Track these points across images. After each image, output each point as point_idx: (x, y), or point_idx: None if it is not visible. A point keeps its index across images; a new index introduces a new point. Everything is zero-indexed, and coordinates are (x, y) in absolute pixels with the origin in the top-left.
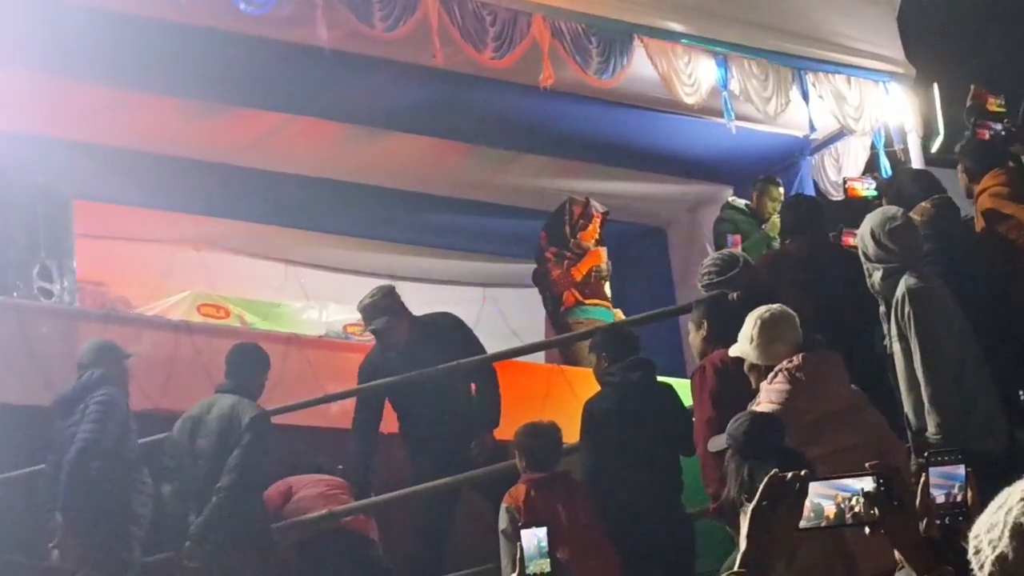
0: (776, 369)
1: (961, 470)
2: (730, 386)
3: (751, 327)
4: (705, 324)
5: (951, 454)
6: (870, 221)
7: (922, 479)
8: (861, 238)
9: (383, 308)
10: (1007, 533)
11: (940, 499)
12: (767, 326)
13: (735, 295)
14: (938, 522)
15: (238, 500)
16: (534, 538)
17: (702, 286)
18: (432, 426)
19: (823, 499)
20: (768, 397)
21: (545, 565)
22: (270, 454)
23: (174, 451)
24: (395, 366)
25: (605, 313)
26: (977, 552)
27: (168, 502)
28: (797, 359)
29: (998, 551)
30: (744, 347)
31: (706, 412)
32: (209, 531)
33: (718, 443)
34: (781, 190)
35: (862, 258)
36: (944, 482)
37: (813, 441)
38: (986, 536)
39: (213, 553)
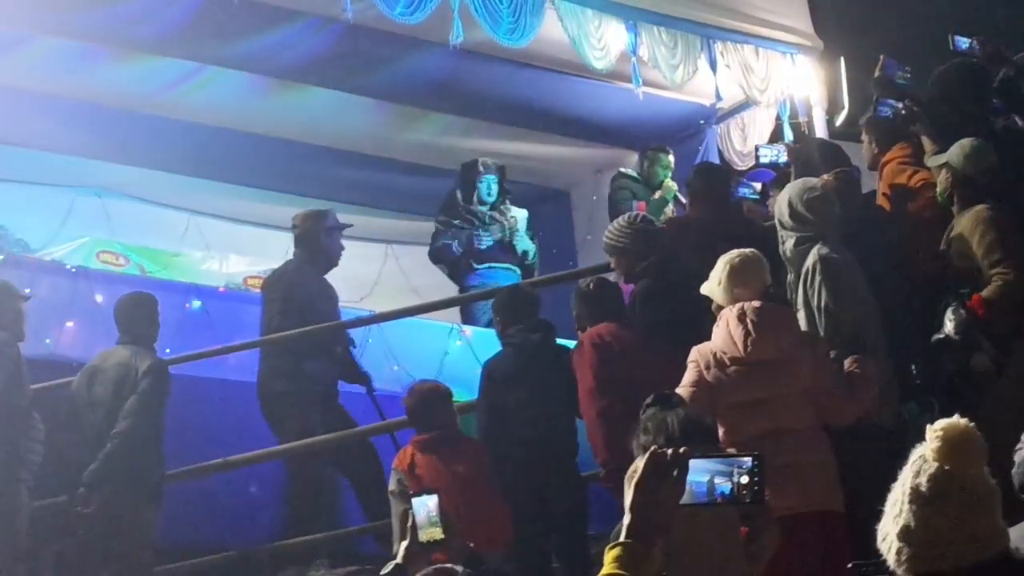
0: (721, 314)
1: None
2: (608, 357)
3: (720, 270)
4: (573, 312)
5: (875, 566)
6: (790, 190)
7: None
8: (779, 205)
9: None
10: (905, 501)
11: None
12: (735, 270)
13: (589, 284)
14: None
15: (133, 446)
16: (423, 507)
17: (607, 248)
18: None
19: (719, 476)
20: (712, 338)
21: (436, 533)
22: (166, 403)
23: (71, 400)
24: None
25: (507, 275)
26: (884, 539)
27: (64, 450)
28: (736, 308)
29: (900, 524)
30: (712, 287)
31: (587, 383)
32: (102, 477)
33: None
34: (670, 157)
35: (777, 225)
36: None
37: (740, 389)
38: (890, 514)
39: (106, 499)
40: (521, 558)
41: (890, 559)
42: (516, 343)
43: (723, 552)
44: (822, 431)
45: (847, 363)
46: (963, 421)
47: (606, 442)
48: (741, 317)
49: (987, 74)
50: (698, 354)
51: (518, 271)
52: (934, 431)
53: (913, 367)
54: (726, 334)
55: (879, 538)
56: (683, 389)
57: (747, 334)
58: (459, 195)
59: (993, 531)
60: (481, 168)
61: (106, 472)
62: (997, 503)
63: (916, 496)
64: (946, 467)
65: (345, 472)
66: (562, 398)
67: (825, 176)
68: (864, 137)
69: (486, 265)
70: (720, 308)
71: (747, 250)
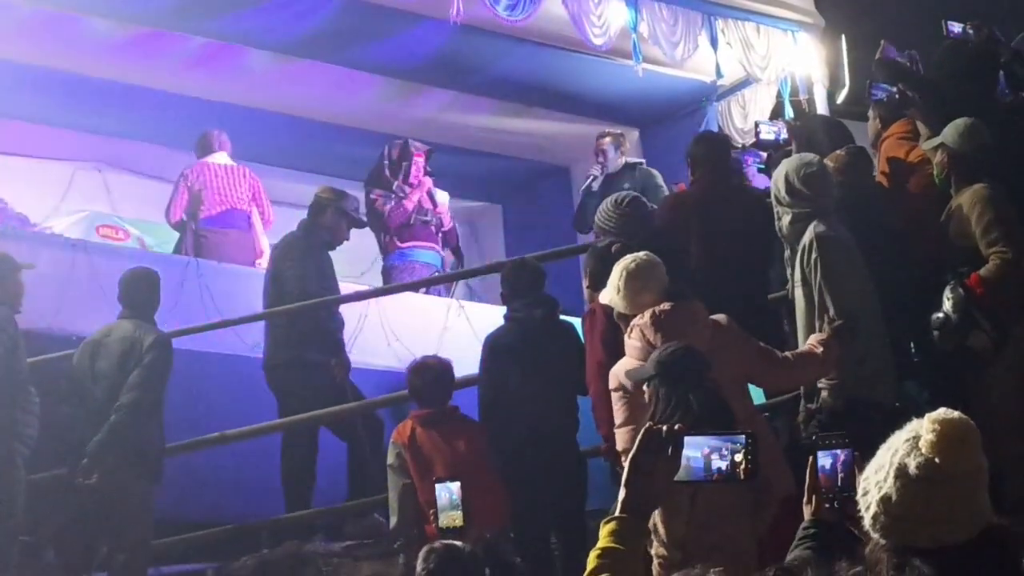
0: (632, 324)
1: (848, 453)
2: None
3: (617, 277)
4: (588, 270)
5: (838, 437)
6: (786, 165)
7: (809, 462)
8: (775, 181)
9: None
10: (892, 474)
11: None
12: (632, 276)
13: (616, 247)
14: (827, 505)
15: (137, 418)
16: (447, 492)
17: (596, 230)
18: None
19: (715, 452)
20: (628, 352)
21: (457, 518)
22: (168, 377)
23: (73, 374)
24: None
25: (431, 256)
26: (865, 494)
27: (65, 424)
28: (647, 315)
29: (883, 492)
30: (612, 296)
31: (597, 355)
32: (106, 448)
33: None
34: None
35: (773, 201)
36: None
37: None
38: (873, 477)
39: (108, 470)
40: (519, 534)
41: (866, 518)
42: (519, 317)
43: (738, 523)
44: (760, 416)
45: (812, 337)
46: (961, 417)
47: (611, 416)
48: (655, 322)
49: (991, 54)
50: (618, 380)
51: (437, 254)
52: (931, 422)
53: (911, 345)
54: (644, 344)
55: (859, 491)
56: (622, 432)
57: (667, 337)
58: (388, 173)
59: (976, 511)
60: (412, 150)
61: (110, 444)
62: (984, 482)
63: (902, 474)
64: (937, 460)
65: (345, 440)
66: (563, 374)
67: (838, 152)
68: (870, 113)
69: (409, 244)
70: (622, 316)
71: (641, 253)
